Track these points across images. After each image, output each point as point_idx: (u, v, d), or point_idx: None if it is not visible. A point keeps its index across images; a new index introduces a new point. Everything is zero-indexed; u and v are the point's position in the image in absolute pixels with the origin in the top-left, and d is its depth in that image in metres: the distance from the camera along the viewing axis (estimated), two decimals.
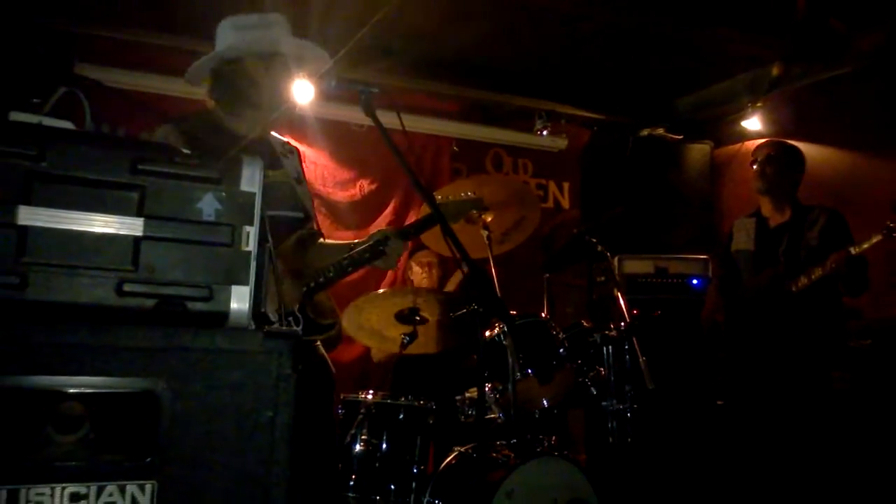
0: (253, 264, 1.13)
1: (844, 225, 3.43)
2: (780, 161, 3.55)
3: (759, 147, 3.73)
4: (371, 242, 2.41)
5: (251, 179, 1.13)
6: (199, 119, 2.37)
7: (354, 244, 2.46)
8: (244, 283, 1.12)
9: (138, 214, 1.09)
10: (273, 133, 2.51)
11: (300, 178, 2.49)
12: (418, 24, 4.19)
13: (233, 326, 1.13)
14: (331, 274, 2.33)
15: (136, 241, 1.09)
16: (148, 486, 1.09)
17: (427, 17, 4.15)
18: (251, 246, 1.12)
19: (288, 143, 2.57)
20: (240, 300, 1.12)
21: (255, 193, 1.13)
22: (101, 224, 1.09)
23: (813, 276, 3.22)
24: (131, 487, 1.08)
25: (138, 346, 1.08)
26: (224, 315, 1.11)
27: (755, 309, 3.41)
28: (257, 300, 1.13)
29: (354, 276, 5.01)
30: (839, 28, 4.38)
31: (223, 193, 1.12)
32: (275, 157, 2.42)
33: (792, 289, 3.28)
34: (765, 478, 3.35)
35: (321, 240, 2.52)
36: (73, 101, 1.32)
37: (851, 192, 4.53)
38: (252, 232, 1.12)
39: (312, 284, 2.29)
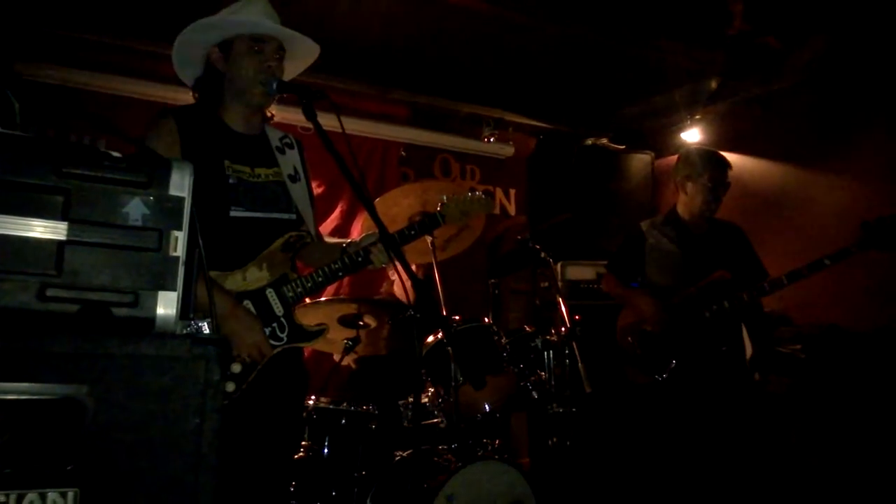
0: (181, 270, 1.12)
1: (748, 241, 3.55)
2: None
3: (717, 165, 3.50)
4: (364, 245, 2.30)
5: (180, 184, 1.12)
6: (201, 111, 2.29)
7: (347, 244, 2.36)
8: (172, 288, 1.11)
9: (63, 218, 1.07)
10: (270, 126, 2.42)
11: (297, 175, 2.36)
12: (366, 28, 4.19)
13: (160, 332, 1.12)
14: (320, 279, 2.25)
15: (60, 245, 1.07)
16: (70, 494, 1.07)
17: (376, 21, 4.16)
18: (180, 251, 1.12)
19: (287, 135, 2.46)
20: (167, 306, 1.11)
21: (184, 198, 1.12)
22: (24, 228, 1.07)
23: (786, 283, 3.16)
24: (52, 495, 1.06)
25: (61, 351, 1.06)
26: (150, 321, 1.10)
27: (695, 314, 3.38)
28: (186, 305, 1.13)
29: None
30: (774, 44, 4.55)
31: (151, 198, 1.11)
32: (268, 154, 2.34)
33: (744, 297, 3.25)
34: (701, 479, 3.43)
35: (315, 239, 2.41)
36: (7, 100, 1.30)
37: (786, 204, 4.70)
38: (181, 237, 1.12)
39: (300, 290, 2.21)
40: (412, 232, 2.43)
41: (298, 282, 2.22)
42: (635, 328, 3.48)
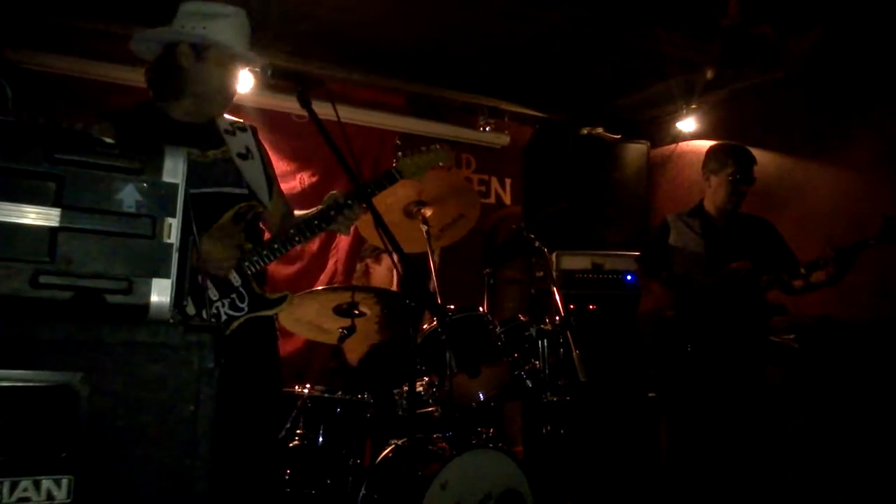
0: (175, 257, 1.12)
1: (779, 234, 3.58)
2: None
3: (741, 159, 3.53)
4: (322, 207, 2.38)
5: (174, 170, 1.11)
6: (140, 110, 2.34)
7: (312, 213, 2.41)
8: (166, 275, 1.11)
9: (55, 205, 1.07)
10: (223, 116, 2.47)
11: (248, 154, 2.41)
12: (362, 16, 4.17)
13: (154, 319, 1.12)
14: (276, 245, 2.29)
15: (53, 231, 1.07)
16: (64, 481, 1.07)
17: (371, 9, 4.13)
18: (173, 238, 1.11)
19: (240, 121, 2.51)
20: (161, 293, 1.10)
21: (177, 184, 1.12)
22: (17, 214, 1.06)
23: (811, 279, 3.20)
24: (47, 482, 1.06)
25: (54, 339, 1.06)
26: (144, 308, 1.10)
27: (712, 304, 3.38)
28: (179, 293, 1.12)
29: (294, 268, 4.88)
30: (770, 34, 4.53)
31: (144, 184, 1.10)
32: (217, 138, 2.39)
33: (763, 283, 3.31)
34: (696, 469, 3.44)
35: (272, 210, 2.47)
36: None
37: (783, 195, 4.70)
38: (174, 224, 1.11)
39: (255, 258, 2.24)
40: (369, 190, 2.44)
41: (254, 251, 2.26)
42: (654, 315, 3.54)
